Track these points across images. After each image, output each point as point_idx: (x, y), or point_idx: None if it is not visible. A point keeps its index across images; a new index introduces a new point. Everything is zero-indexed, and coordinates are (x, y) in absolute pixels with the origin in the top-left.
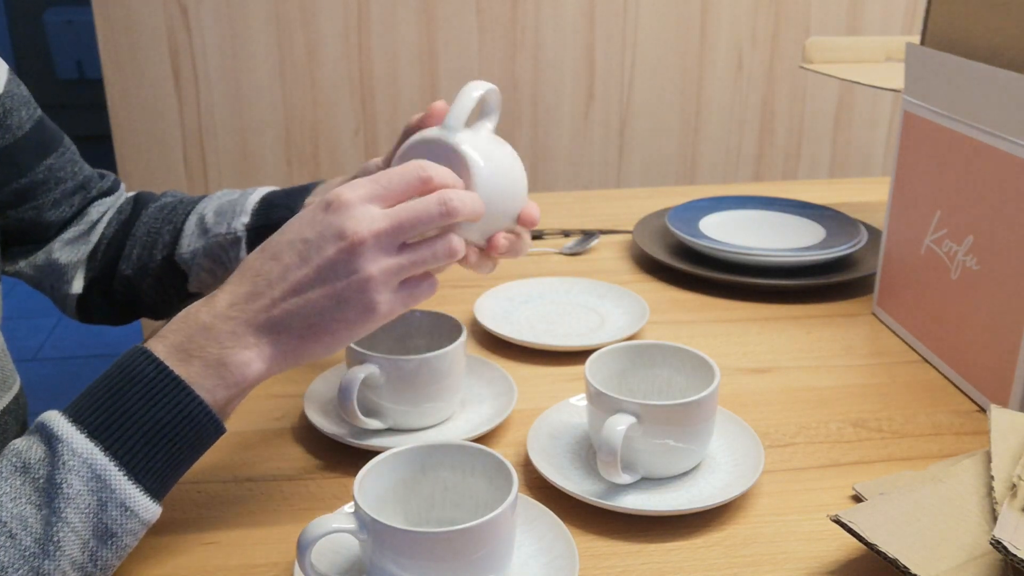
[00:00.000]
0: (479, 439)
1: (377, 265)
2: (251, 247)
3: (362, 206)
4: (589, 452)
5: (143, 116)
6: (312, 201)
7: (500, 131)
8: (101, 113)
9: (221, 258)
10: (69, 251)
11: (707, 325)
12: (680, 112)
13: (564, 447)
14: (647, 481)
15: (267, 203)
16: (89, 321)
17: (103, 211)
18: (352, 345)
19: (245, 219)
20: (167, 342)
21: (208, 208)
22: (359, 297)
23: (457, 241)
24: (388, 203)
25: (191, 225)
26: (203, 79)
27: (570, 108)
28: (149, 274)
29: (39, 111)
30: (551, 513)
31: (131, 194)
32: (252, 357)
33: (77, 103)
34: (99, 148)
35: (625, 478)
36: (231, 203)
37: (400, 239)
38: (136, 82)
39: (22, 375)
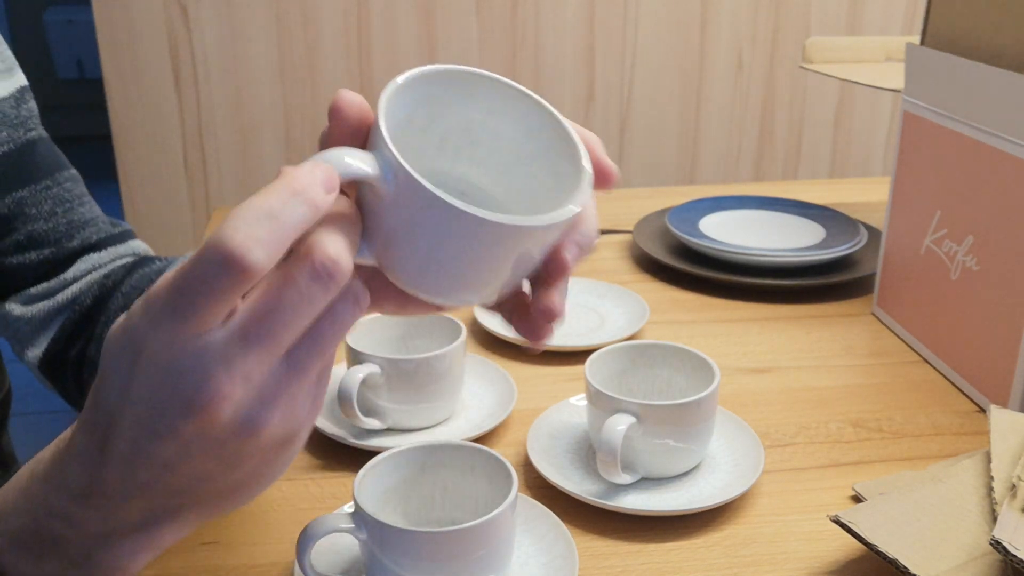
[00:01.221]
0: (479, 439)
1: (267, 412)
2: None
3: (186, 343)
4: (589, 452)
5: (143, 116)
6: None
7: None
8: (101, 113)
9: None
10: (25, 305)
11: (707, 325)
12: (680, 112)
13: (564, 447)
14: (647, 481)
15: None
16: (68, 400)
17: (86, 269)
18: (352, 345)
19: None
20: (5, 528)
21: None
22: (262, 455)
23: (359, 289)
24: (213, 323)
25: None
26: (203, 79)
27: (570, 108)
28: None
29: (31, 135)
30: (551, 513)
31: (131, 259)
32: (140, 546)
33: (77, 103)
34: (99, 148)
35: (625, 478)
36: None
37: (278, 353)
38: (136, 82)
39: (14, 375)
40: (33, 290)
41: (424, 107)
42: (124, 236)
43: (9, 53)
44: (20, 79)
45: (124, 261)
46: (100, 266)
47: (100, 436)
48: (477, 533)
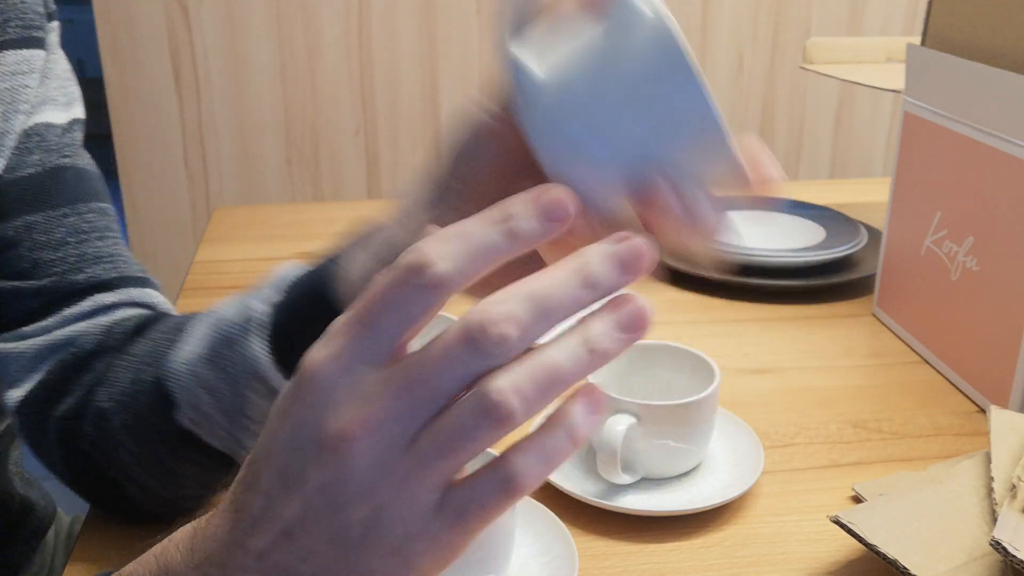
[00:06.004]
0: None
1: (388, 479)
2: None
3: (339, 376)
4: (589, 452)
5: (143, 116)
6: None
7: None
8: (101, 113)
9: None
10: (16, 341)
11: (707, 325)
12: None
13: None
14: (647, 481)
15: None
16: (45, 462)
17: (91, 308)
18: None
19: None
20: None
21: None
22: (376, 538)
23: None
24: (388, 352)
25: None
26: (203, 79)
27: None
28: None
29: (62, 161)
30: (551, 513)
31: (144, 312)
32: None
33: None
34: (99, 147)
35: (625, 478)
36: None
37: (421, 416)
38: (136, 82)
39: None
40: (27, 328)
41: None
42: (143, 282)
43: (75, 90)
44: (76, 112)
45: (135, 312)
46: (109, 307)
47: (240, 492)
48: None
